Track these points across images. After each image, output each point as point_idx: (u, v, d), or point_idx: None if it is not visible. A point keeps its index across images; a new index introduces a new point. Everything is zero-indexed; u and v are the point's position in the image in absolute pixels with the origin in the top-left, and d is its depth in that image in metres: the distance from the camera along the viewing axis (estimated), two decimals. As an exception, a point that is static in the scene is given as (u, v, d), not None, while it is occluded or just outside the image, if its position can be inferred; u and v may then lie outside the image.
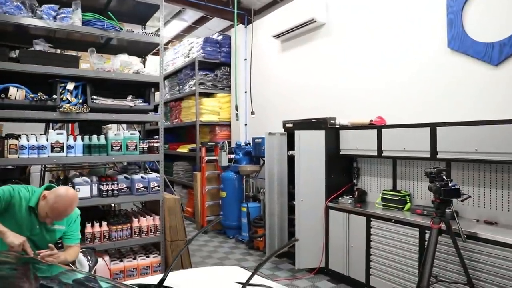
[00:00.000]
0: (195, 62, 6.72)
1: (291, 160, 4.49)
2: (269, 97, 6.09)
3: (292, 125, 4.59)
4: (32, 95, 3.28)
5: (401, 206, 3.55)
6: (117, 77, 3.69)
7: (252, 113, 6.10)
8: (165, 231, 4.09)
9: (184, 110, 7.39)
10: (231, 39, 6.82)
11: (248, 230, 5.37)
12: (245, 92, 6.56)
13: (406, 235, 3.25)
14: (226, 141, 6.06)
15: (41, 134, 3.48)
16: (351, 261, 3.80)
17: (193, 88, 6.83)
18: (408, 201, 3.59)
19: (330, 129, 4.18)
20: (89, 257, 2.11)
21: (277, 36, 5.66)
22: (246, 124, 6.63)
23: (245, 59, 6.60)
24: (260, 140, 5.28)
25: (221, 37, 7.07)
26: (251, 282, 2.06)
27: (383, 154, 3.69)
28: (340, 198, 4.07)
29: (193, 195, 6.81)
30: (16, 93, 3.21)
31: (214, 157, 6.28)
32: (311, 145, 4.14)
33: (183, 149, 7.38)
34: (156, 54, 4.24)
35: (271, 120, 5.75)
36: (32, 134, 3.42)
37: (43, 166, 5.03)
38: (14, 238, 1.92)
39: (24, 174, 4.01)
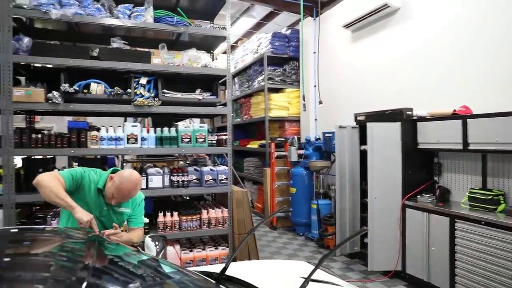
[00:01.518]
0: (264, 57, 6.71)
1: (363, 155, 4.24)
2: (339, 89, 5.83)
3: (364, 117, 4.33)
4: (110, 90, 3.51)
5: (493, 207, 3.11)
6: (186, 71, 3.80)
7: (320, 102, 5.86)
8: (233, 223, 4.12)
9: (253, 106, 7.43)
10: (299, 33, 6.67)
11: (318, 227, 5.20)
12: (314, 86, 6.36)
13: (500, 239, 2.82)
14: (296, 137, 5.95)
15: (118, 127, 3.71)
16: (432, 266, 3.44)
17: (262, 83, 6.83)
18: (501, 202, 3.13)
19: (407, 121, 3.85)
20: (156, 242, 2.15)
21: (347, 26, 5.40)
22: (316, 119, 6.44)
23: (314, 52, 6.40)
24: (330, 134, 5.07)
25: (289, 31, 6.95)
26: (319, 278, 1.94)
27: (469, 148, 3.27)
28: (418, 196, 3.72)
29: (263, 191, 6.81)
30: (96, 88, 3.46)
31: (283, 153, 6.22)
32: (385, 139, 3.87)
33: (253, 145, 7.42)
34: (225, 52, 4.30)
35: (342, 113, 5.49)
36: (110, 126, 3.66)
37: (122, 157, 5.41)
38: (83, 214, 2.03)
39: (105, 164, 4.31)
